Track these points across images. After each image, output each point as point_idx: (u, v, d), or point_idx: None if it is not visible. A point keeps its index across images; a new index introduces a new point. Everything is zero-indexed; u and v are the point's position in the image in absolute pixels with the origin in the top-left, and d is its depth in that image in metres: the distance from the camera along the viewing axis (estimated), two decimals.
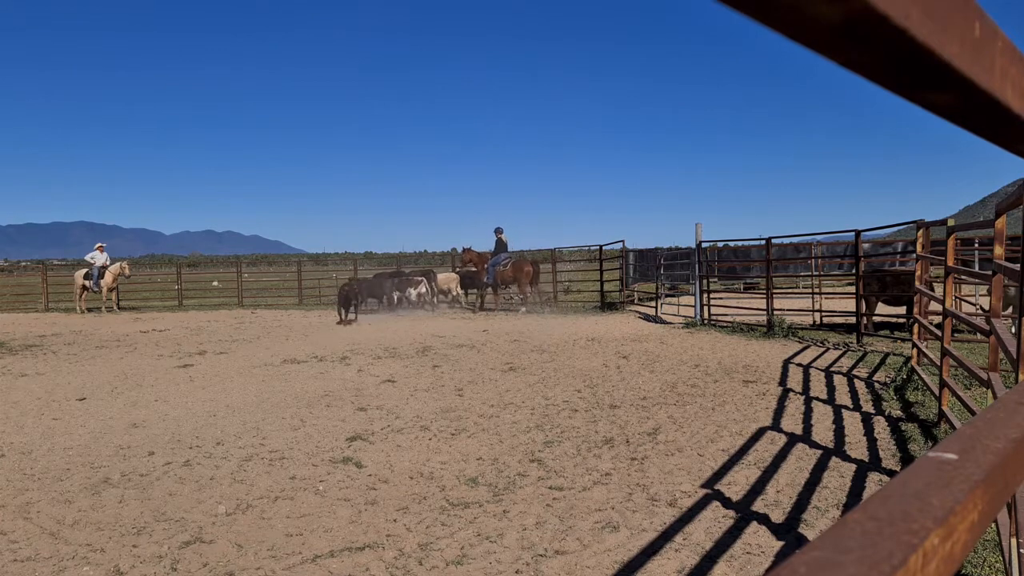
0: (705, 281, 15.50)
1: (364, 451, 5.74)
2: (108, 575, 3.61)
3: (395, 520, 4.28)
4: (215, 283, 31.88)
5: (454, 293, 20.58)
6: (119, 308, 22.66)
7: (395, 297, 19.06)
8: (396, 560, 3.72)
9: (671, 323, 15.24)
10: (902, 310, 12.47)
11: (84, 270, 22.39)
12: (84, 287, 22.15)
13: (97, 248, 22.57)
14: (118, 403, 7.81)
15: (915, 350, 8.35)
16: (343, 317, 17.10)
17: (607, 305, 19.18)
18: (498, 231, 19.66)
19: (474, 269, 20.45)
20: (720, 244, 18.74)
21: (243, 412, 7.22)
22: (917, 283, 8.34)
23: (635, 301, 20.72)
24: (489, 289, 19.85)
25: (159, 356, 11.62)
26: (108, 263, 22.35)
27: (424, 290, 19.08)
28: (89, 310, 22.23)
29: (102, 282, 21.94)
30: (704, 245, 15.66)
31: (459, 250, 22.88)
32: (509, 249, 19.88)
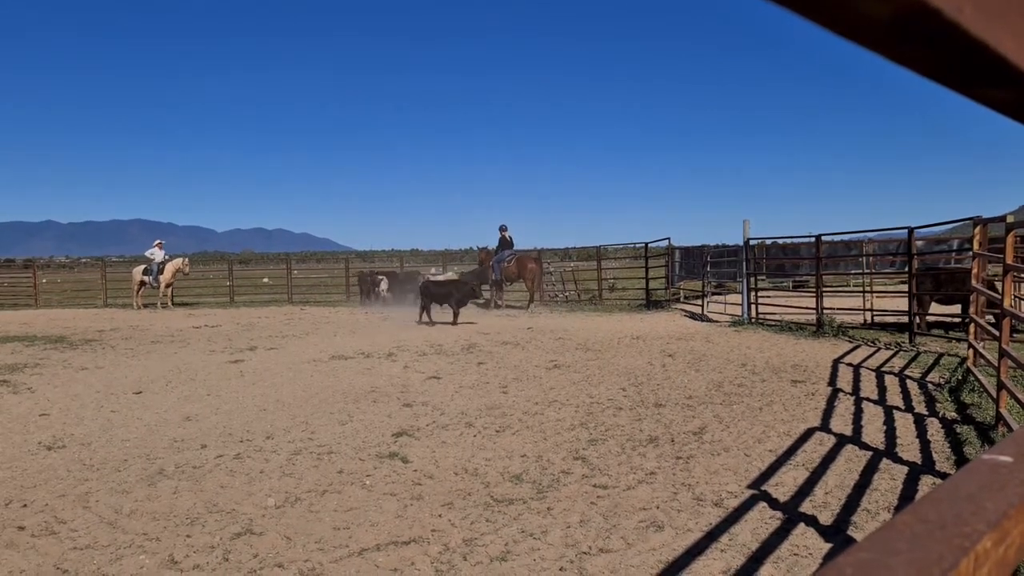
0: (753, 279, 15.28)
1: (410, 447, 5.80)
2: (163, 564, 3.72)
3: (440, 515, 4.32)
4: (265, 280, 32.52)
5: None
6: (173, 304, 23.24)
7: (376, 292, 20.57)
8: (441, 555, 3.75)
9: (718, 321, 15.05)
10: (956, 309, 12.12)
11: (142, 266, 23.05)
12: (142, 283, 22.80)
13: (156, 245, 23.24)
14: (172, 397, 8.03)
15: (971, 350, 8.11)
16: (424, 317, 15.81)
17: (652, 303, 19.02)
18: (502, 228, 19.92)
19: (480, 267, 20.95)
20: (768, 241, 18.48)
21: (292, 407, 7.36)
22: (974, 281, 8.09)
23: (681, 299, 20.51)
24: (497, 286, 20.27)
25: (211, 351, 11.91)
26: (166, 259, 22.99)
27: (385, 286, 20.58)
28: (145, 306, 22.87)
29: (161, 278, 22.58)
30: (752, 242, 15.44)
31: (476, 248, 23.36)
32: (514, 246, 20.23)
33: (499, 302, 20.11)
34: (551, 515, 4.27)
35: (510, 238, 19.96)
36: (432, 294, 15.88)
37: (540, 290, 19.90)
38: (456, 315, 15.52)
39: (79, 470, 5.35)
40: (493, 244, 20.34)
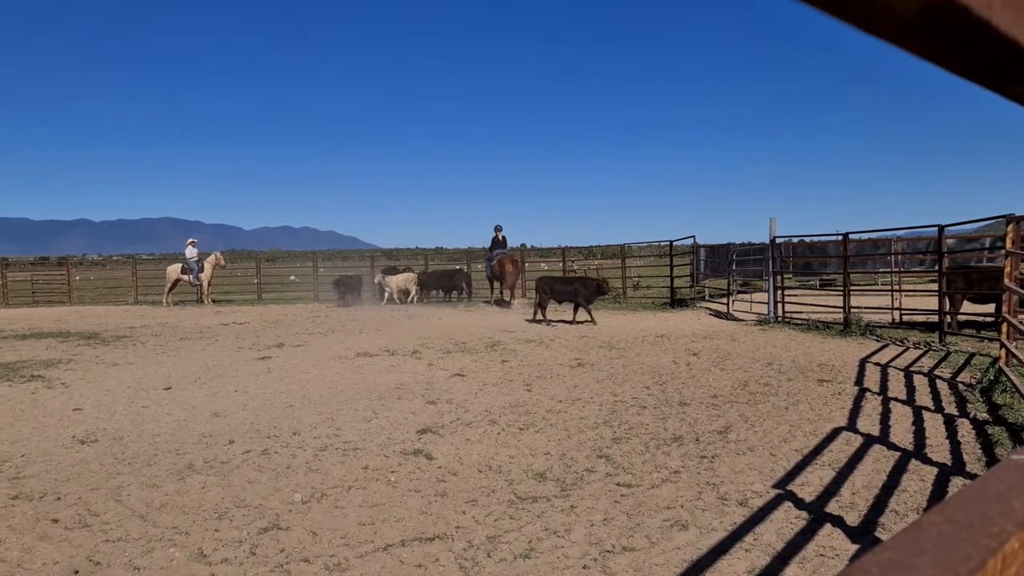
0: (779, 277, 15.13)
1: (434, 443, 5.82)
2: (193, 557, 3.77)
3: (464, 512, 4.34)
4: (292, 278, 32.80)
5: (412, 292, 21.31)
6: (213, 301, 23.51)
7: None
8: (465, 551, 3.77)
9: (743, 320, 14.94)
10: (989, 308, 11.91)
11: (179, 265, 23.38)
12: (177, 281, 23.14)
13: (189, 243, 23.56)
14: (201, 393, 8.14)
15: (1003, 350, 7.96)
16: (540, 316, 15.14)
17: (677, 301, 18.91)
18: (497, 228, 20.76)
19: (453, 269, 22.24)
20: (795, 239, 18.29)
21: (318, 403, 7.42)
22: (1007, 280, 7.95)
23: (706, 298, 20.39)
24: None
25: (239, 348, 12.04)
26: (196, 257, 23.30)
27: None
28: (176, 304, 23.19)
29: (202, 275, 22.92)
30: (778, 240, 15.30)
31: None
32: (508, 245, 21.29)
33: (498, 300, 21.04)
34: (575, 513, 4.27)
35: (503, 238, 20.88)
36: (554, 291, 15.01)
37: (513, 289, 20.72)
38: (585, 313, 14.67)
39: (111, 464, 5.44)
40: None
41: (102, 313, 21.15)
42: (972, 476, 4.68)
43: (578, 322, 14.69)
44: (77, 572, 3.61)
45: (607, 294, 15.27)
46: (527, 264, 26.72)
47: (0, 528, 4.19)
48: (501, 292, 21.02)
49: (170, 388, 8.45)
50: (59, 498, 4.70)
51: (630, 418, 6.55)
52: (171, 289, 23.23)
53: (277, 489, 4.81)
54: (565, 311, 16.00)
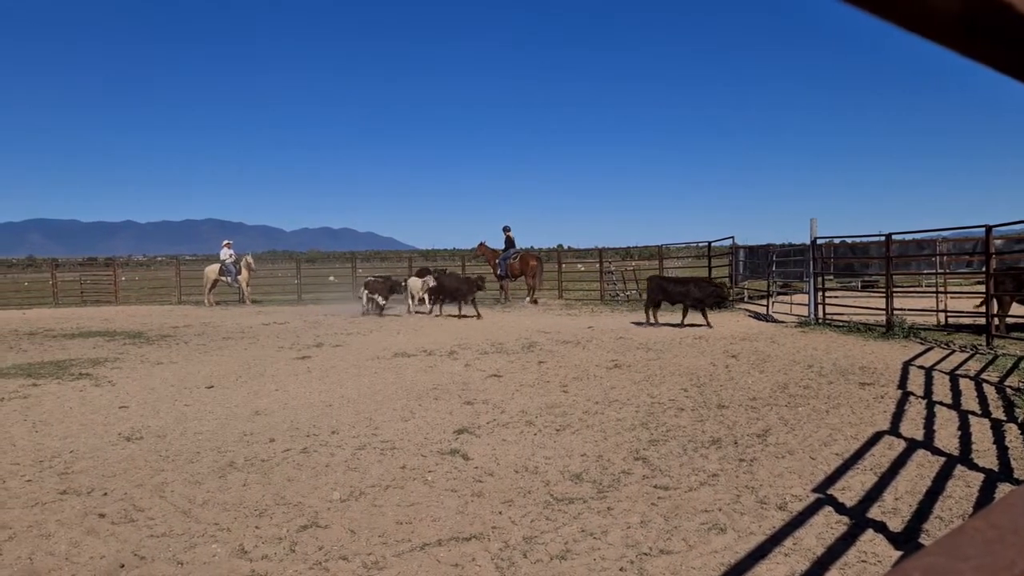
0: (820, 279, 14.90)
1: (471, 444, 5.85)
2: (234, 553, 3.84)
3: (500, 512, 4.35)
4: (331, 278, 33.17)
5: (420, 296, 20.14)
6: (253, 301, 23.91)
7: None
8: (501, 552, 3.78)
9: (783, 322, 14.73)
10: None
11: (217, 265, 23.81)
12: (216, 281, 23.57)
13: (225, 245, 23.96)
14: (242, 392, 8.27)
15: None
16: (652, 319, 14.76)
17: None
18: (506, 229, 21.65)
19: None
20: (836, 240, 17.98)
21: (357, 403, 7.50)
22: None
23: (745, 299, 20.14)
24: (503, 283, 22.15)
25: (279, 348, 12.22)
26: (232, 258, 23.68)
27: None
28: (218, 303, 23.62)
29: (240, 277, 23.34)
30: (819, 241, 15.06)
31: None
32: (516, 245, 22.15)
33: (506, 298, 21.73)
34: (611, 515, 4.26)
35: (513, 238, 21.77)
36: (667, 292, 14.64)
37: (538, 286, 21.31)
38: (701, 317, 14.20)
39: (155, 461, 5.56)
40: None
41: (147, 313, 21.64)
42: (1020, 482, 4.56)
43: (688, 325, 14.25)
44: (123, 566, 3.70)
45: (727, 299, 14.58)
46: (564, 265, 26.72)
47: (49, 522, 4.32)
48: (505, 292, 21.62)
49: (212, 387, 8.61)
50: (106, 493, 4.83)
51: (667, 420, 6.51)
52: (210, 289, 23.65)
53: (316, 487, 4.87)
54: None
